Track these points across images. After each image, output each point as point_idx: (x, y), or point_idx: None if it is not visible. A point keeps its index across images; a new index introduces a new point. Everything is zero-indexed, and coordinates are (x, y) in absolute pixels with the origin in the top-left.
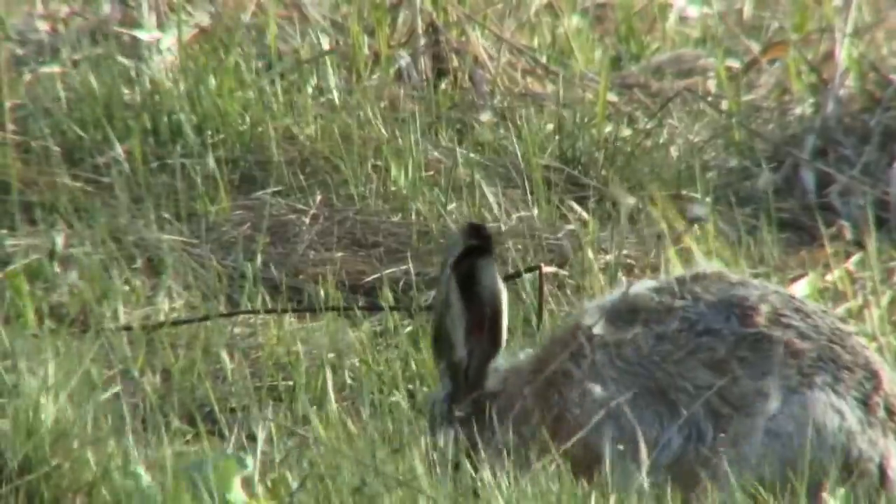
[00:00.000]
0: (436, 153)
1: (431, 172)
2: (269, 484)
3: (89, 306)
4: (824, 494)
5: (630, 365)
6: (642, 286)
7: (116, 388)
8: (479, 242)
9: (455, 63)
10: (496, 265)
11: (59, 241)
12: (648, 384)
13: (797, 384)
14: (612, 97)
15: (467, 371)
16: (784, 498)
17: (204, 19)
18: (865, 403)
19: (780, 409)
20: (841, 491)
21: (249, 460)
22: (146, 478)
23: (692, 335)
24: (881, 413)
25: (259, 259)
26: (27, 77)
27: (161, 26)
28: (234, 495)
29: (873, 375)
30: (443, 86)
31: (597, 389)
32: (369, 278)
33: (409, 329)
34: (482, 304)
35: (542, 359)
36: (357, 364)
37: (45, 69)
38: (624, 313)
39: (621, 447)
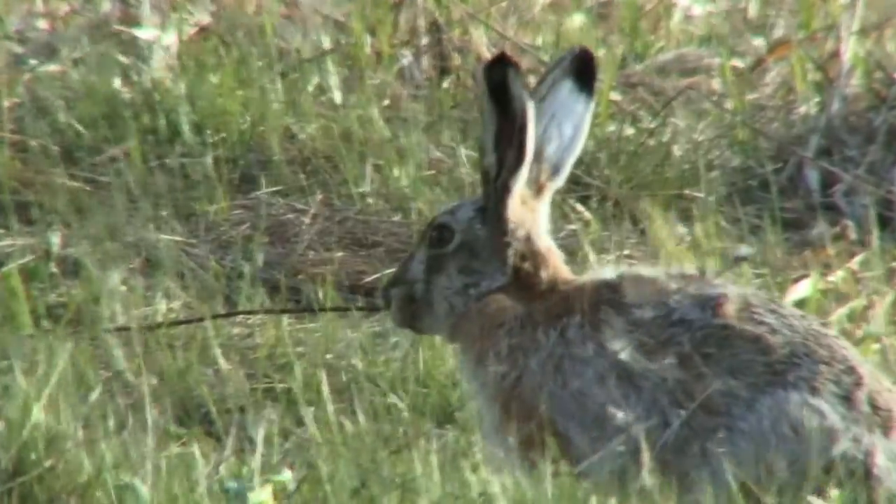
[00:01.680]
0: (437, 152)
1: (433, 172)
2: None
3: (85, 307)
4: (812, 498)
5: (601, 347)
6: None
7: (112, 390)
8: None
9: (457, 62)
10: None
11: (56, 240)
12: (617, 368)
13: (766, 383)
14: (615, 96)
15: (496, 181)
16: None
17: (204, 18)
18: (847, 399)
19: (748, 411)
20: (836, 493)
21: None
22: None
23: (666, 325)
24: (864, 408)
25: (258, 259)
26: (26, 76)
27: (161, 25)
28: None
29: (852, 371)
30: (445, 85)
31: (619, 415)
32: (369, 278)
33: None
34: (513, 115)
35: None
36: (355, 365)
37: (44, 68)
38: (618, 292)
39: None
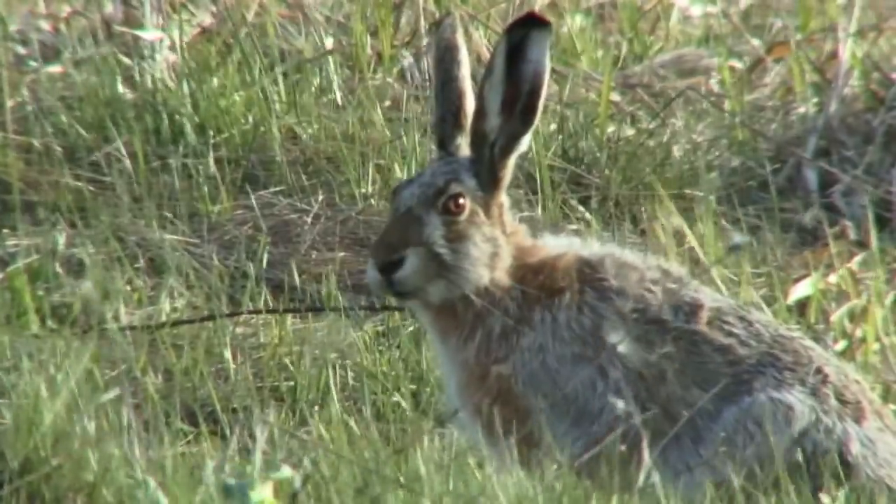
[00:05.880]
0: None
1: None
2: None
3: (91, 306)
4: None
5: (581, 330)
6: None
7: (118, 389)
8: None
9: None
10: (549, 41)
11: (61, 240)
12: (590, 353)
13: (732, 393)
14: (615, 97)
15: (493, 146)
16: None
17: (206, 19)
18: (815, 395)
19: (712, 421)
20: (840, 492)
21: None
22: (153, 485)
23: (641, 321)
24: (832, 401)
25: (261, 259)
26: (29, 77)
27: (163, 26)
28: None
29: (818, 371)
30: None
31: (619, 404)
32: None
33: (411, 329)
34: (523, 79)
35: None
36: (359, 364)
37: (47, 69)
38: (601, 274)
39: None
